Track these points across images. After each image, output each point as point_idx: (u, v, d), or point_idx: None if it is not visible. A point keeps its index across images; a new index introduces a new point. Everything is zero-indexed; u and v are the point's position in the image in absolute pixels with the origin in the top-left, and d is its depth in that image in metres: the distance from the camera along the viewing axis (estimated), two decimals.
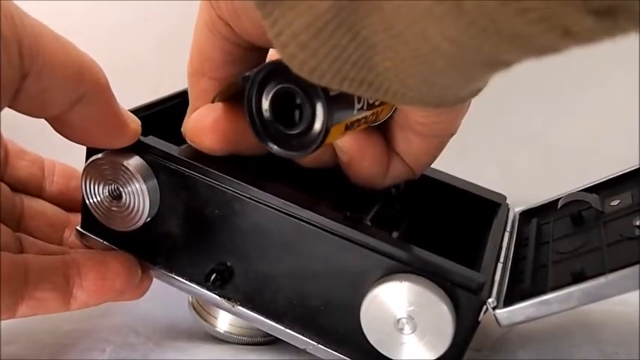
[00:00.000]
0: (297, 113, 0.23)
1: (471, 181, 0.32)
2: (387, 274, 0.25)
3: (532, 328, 0.32)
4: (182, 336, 0.33)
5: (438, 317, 0.24)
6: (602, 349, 0.29)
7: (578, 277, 0.23)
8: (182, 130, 0.28)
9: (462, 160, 0.34)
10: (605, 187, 0.30)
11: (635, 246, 0.24)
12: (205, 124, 0.26)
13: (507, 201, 0.32)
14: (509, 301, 0.24)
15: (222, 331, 0.31)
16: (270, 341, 0.32)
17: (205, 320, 0.32)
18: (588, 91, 0.43)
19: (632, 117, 0.40)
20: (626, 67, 0.40)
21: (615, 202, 0.28)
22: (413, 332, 0.24)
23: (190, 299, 0.33)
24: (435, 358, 0.24)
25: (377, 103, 0.25)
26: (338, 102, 0.23)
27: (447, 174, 0.32)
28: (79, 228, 0.30)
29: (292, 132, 0.24)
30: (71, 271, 0.27)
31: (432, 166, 0.32)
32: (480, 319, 0.24)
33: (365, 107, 0.24)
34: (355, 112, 0.24)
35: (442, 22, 0.16)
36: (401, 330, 0.24)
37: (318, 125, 0.23)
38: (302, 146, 0.24)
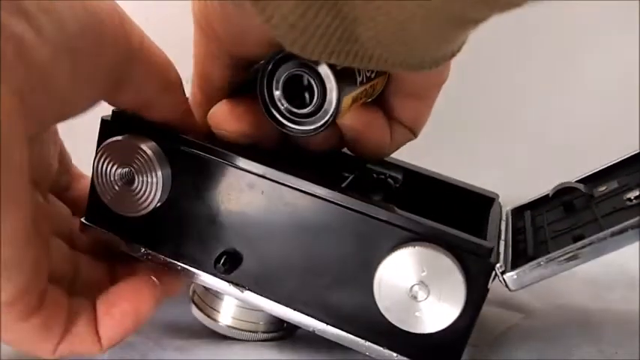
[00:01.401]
0: (307, 94, 0.26)
1: (463, 176, 0.34)
2: (397, 245, 0.25)
3: (532, 327, 0.33)
4: (182, 335, 0.32)
5: (451, 282, 0.25)
6: (602, 349, 0.30)
7: (578, 238, 0.24)
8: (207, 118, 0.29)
9: (454, 158, 0.36)
10: (591, 180, 0.32)
11: (630, 212, 0.25)
12: (235, 113, 0.28)
13: (499, 200, 0.33)
14: (515, 266, 0.25)
15: (224, 326, 0.31)
16: (271, 337, 0.32)
17: (207, 315, 0.31)
18: (583, 84, 0.45)
19: (626, 109, 0.43)
20: (626, 65, 0.42)
21: (603, 188, 0.30)
22: (426, 299, 0.25)
23: (191, 295, 0.32)
24: (448, 324, 0.25)
25: (373, 76, 0.27)
26: (343, 76, 0.25)
27: (441, 174, 0.34)
28: (83, 220, 0.30)
29: (307, 111, 0.26)
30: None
31: (428, 166, 0.34)
32: (489, 284, 0.25)
33: (364, 80, 0.27)
34: (358, 85, 0.26)
35: None
36: (414, 297, 0.25)
37: (331, 96, 0.25)
38: (319, 120, 0.26)
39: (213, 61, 0.27)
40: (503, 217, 0.32)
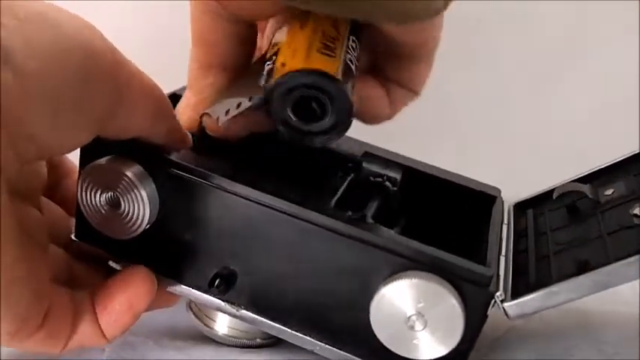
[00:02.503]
0: (316, 106, 0.25)
1: (464, 174, 0.33)
2: (394, 272, 0.25)
3: (532, 328, 0.32)
4: (181, 335, 0.33)
5: (449, 313, 0.24)
6: (602, 350, 0.30)
7: (584, 267, 0.24)
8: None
9: (457, 153, 0.34)
10: (597, 177, 0.30)
11: (636, 234, 0.24)
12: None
13: (502, 194, 0.32)
14: (516, 293, 0.25)
15: (220, 334, 0.31)
16: (268, 343, 0.32)
17: (204, 323, 0.31)
18: (583, 82, 0.43)
19: (626, 107, 0.41)
20: (625, 64, 0.41)
21: (609, 192, 0.29)
22: (423, 329, 0.24)
23: (188, 302, 0.32)
24: (446, 353, 0.25)
25: (355, 46, 0.27)
26: (346, 76, 0.24)
27: (442, 169, 0.33)
28: (73, 237, 0.29)
29: (322, 125, 0.25)
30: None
31: (428, 161, 0.33)
32: (488, 312, 0.25)
33: (356, 62, 0.26)
34: (355, 73, 0.26)
35: None
36: (411, 327, 0.25)
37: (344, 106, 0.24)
38: (338, 126, 0.25)
39: (214, 20, 0.26)
40: (505, 219, 0.31)
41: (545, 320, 0.32)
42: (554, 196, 0.30)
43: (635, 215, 0.25)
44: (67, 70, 0.21)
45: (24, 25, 0.21)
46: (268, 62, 0.25)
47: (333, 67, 0.24)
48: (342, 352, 0.27)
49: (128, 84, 0.24)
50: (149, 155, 0.26)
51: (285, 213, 0.26)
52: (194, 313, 0.32)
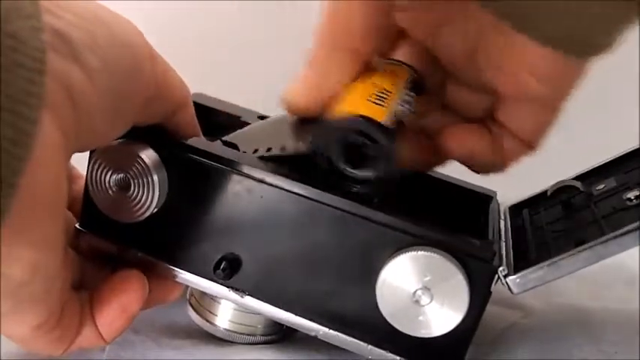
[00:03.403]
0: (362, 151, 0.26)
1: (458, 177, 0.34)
2: (400, 249, 0.25)
3: (533, 326, 0.33)
4: (181, 334, 0.32)
5: (454, 286, 0.24)
6: (602, 349, 0.30)
7: (581, 242, 0.24)
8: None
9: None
10: (588, 177, 0.32)
11: (631, 213, 0.25)
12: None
13: (497, 198, 0.33)
14: (518, 269, 0.25)
15: (222, 330, 0.31)
16: (270, 340, 0.31)
17: (205, 319, 0.31)
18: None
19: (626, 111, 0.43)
20: (626, 63, 0.42)
21: (601, 186, 0.30)
22: (429, 303, 0.25)
23: (188, 298, 0.32)
24: (451, 329, 0.25)
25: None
26: (395, 126, 0.26)
27: (437, 171, 0.34)
28: (77, 226, 0.30)
29: (364, 172, 0.26)
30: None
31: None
32: (492, 287, 0.25)
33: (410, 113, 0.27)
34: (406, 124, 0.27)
35: None
36: (417, 302, 0.25)
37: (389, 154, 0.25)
38: (381, 170, 0.26)
39: (371, 7, 0.26)
40: (502, 216, 0.32)
41: (545, 319, 0.32)
42: (548, 193, 0.31)
43: (629, 199, 0.26)
44: (122, 68, 0.23)
45: (82, 21, 0.21)
46: None
47: (380, 114, 0.25)
48: (347, 337, 0.27)
49: (163, 78, 0.25)
50: (162, 139, 0.27)
51: (292, 192, 0.26)
52: (194, 309, 0.32)
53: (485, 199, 0.32)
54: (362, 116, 0.25)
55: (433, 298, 0.25)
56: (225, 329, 0.31)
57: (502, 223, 0.31)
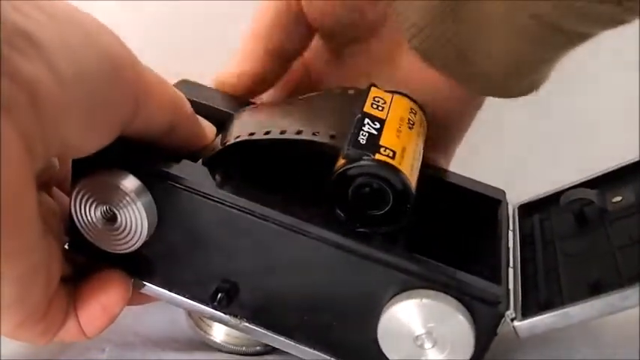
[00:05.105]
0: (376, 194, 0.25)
1: (467, 172, 0.32)
2: (403, 290, 0.24)
3: None
4: (181, 336, 0.32)
5: (458, 332, 0.24)
6: (602, 350, 0.30)
7: (595, 288, 0.23)
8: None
9: (460, 153, 0.34)
10: (604, 181, 0.30)
11: None
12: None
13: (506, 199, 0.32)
14: (526, 311, 0.24)
15: (218, 341, 0.31)
16: (267, 351, 0.31)
17: (202, 330, 0.31)
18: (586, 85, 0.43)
19: (632, 110, 0.41)
20: (627, 64, 0.40)
21: (617, 198, 0.28)
22: (432, 347, 0.24)
23: None
24: None
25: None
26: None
27: (445, 170, 0.32)
28: (66, 247, 0.28)
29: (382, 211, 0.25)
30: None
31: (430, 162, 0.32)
32: (498, 331, 0.24)
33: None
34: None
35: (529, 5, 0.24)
36: (420, 346, 0.24)
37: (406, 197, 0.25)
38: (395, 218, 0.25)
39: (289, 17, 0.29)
40: (510, 224, 0.30)
41: None
42: (561, 203, 0.29)
43: None
44: (98, 75, 0.21)
45: (54, 23, 0.20)
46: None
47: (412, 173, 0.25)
48: None
49: (148, 90, 0.24)
50: (145, 167, 0.25)
51: (288, 228, 0.25)
52: (193, 320, 0.31)
53: (493, 203, 0.31)
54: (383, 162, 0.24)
55: (436, 343, 0.24)
56: (222, 341, 0.31)
57: (510, 235, 0.29)
